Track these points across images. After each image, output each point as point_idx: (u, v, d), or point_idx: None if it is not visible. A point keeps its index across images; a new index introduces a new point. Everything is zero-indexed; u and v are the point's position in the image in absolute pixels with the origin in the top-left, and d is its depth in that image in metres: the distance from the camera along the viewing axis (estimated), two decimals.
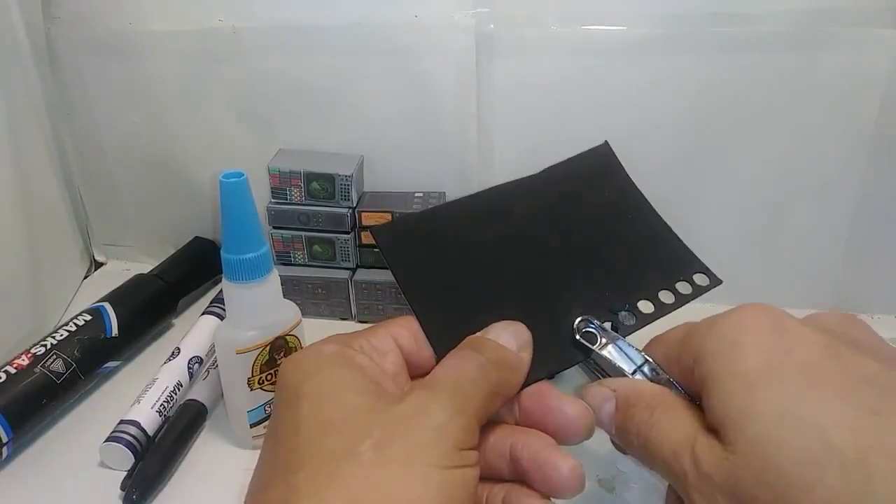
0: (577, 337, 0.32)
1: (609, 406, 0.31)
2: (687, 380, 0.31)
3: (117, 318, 0.51)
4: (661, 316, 0.34)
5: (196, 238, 0.63)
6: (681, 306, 0.34)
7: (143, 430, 0.43)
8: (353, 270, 0.57)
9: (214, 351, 0.45)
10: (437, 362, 0.29)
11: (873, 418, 0.25)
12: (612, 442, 0.32)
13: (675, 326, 0.33)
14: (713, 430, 0.27)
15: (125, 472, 0.42)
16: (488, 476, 0.29)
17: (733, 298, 0.42)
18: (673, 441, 0.29)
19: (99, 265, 0.67)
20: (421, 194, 0.57)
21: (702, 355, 0.29)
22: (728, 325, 0.29)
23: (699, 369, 0.29)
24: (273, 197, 0.55)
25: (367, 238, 0.56)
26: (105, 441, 0.43)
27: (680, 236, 0.41)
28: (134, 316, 0.52)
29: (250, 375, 0.42)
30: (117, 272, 0.65)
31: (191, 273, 0.60)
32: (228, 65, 0.56)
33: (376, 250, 0.56)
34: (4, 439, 0.42)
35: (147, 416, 0.44)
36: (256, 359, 0.42)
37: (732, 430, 0.26)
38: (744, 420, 0.26)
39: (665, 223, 0.38)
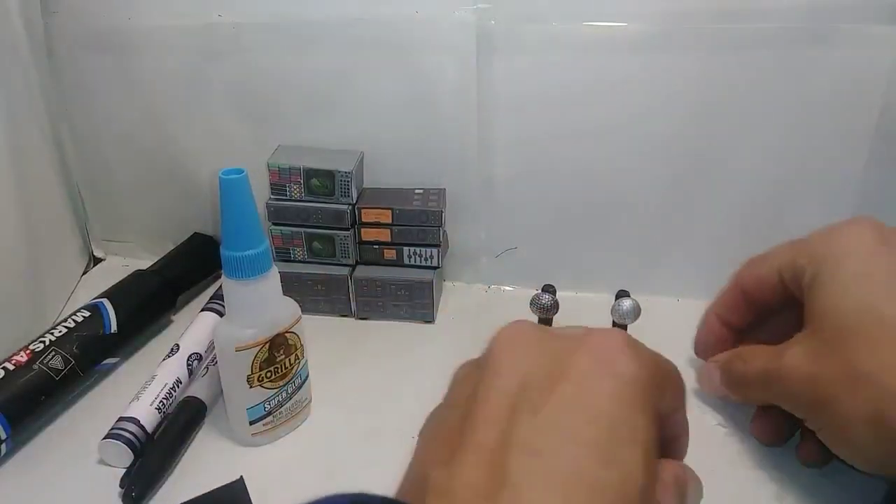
0: None
1: (716, 373, 0.44)
2: (792, 282, 0.40)
3: (116, 314, 0.50)
4: None
5: (195, 234, 0.63)
6: None
7: (142, 426, 0.43)
8: (353, 267, 0.57)
9: (214, 348, 0.45)
10: None
11: None
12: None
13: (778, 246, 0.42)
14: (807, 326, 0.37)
15: (124, 469, 0.42)
16: None
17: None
18: (762, 359, 0.39)
19: (98, 261, 0.67)
20: (421, 191, 0.56)
21: (814, 259, 0.38)
22: (839, 235, 0.38)
23: (811, 270, 0.38)
24: (273, 193, 0.55)
25: (366, 235, 0.56)
26: (104, 438, 0.43)
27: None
28: (133, 312, 0.52)
29: (250, 372, 0.42)
30: (116, 268, 0.65)
31: (190, 269, 0.60)
32: (228, 60, 0.56)
33: (376, 247, 0.56)
34: (3, 436, 0.42)
35: (146, 412, 0.44)
36: (256, 356, 0.41)
37: (826, 321, 0.35)
38: (835, 313, 0.35)
39: None
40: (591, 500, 0.24)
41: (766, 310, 0.44)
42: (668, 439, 0.33)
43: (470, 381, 0.29)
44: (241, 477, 0.41)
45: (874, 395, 0.33)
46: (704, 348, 0.47)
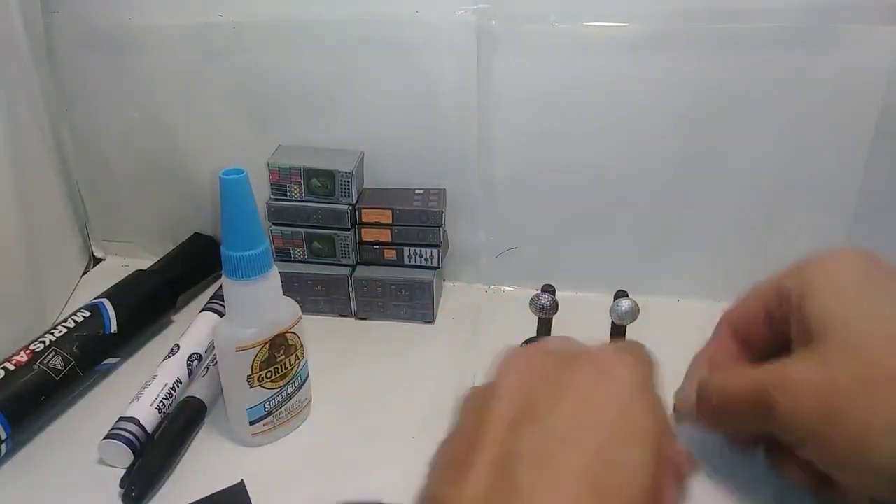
0: None
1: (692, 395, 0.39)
2: (779, 312, 0.37)
3: (116, 314, 0.50)
4: None
5: (195, 234, 0.63)
6: None
7: (142, 427, 0.43)
8: (353, 267, 0.57)
9: (214, 348, 0.45)
10: None
11: None
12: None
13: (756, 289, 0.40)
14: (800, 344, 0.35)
15: (124, 469, 0.42)
16: None
17: (735, 296, 0.42)
18: (751, 376, 0.36)
19: (98, 261, 0.67)
20: (421, 191, 0.56)
21: (803, 278, 0.36)
22: (828, 257, 0.37)
23: (799, 289, 0.36)
24: (273, 193, 0.55)
25: (367, 235, 0.56)
26: (104, 438, 0.43)
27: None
28: (133, 312, 0.52)
29: (250, 373, 0.42)
30: (116, 268, 0.65)
31: (190, 269, 0.60)
32: (228, 60, 0.56)
33: (376, 247, 0.56)
34: (3, 436, 0.42)
35: (146, 413, 0.44)
36: (256, 356, 0.41)
37: (832, 330, 0.33)
38: (841, 320, 0.33)
39: None
40: (594, 501, 0.25)
41: (761, 349, 0.40)
42: None
43: (476, 408, 0.30)
44: (242, 480, 0.41)
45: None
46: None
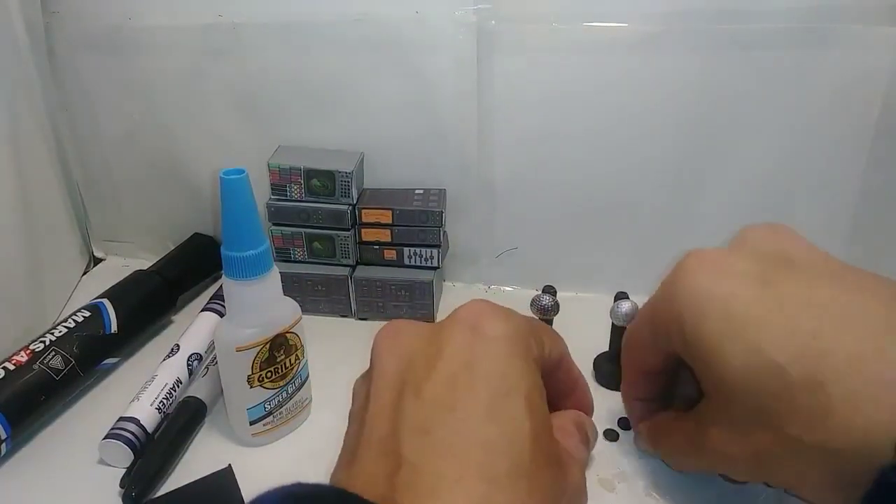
0: None
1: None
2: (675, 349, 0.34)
3: (116, 314, 0.50)
4: None
5: (195, 234, 0.63)
6: None
7: (142, 427, 0.43)
8: (353, 267, 0.57)
9: (214, 348, 0.45)
10: None
11: (814, 342, 0.28)
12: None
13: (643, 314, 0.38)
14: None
15: (124, 469, 0.42)
16: None
17: None
18: (680, 435, 0.35)
19: (98, 261, 0.67)
20: (421, 191, 0.56)
21: (684, 307, 0.32)
22: (681, 291, 0.32)
23: (686, 323, 0.32)
24: (273, 193, 0.55)
25: (367, 235, 0.56)
26: (104, 438, 0.43)
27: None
28: (133, 312, 0.52)
29: (250, 373, 0.42)
30: (116, 268, 0.65)
31: (190, 269, 0.60)
32: (228, 61, 0.56)
33: (376, 247, 0.56)
34: (3, 436, 0.42)
35: (146, 413, 0.44)
36: (256, 356, 0.41)
37: (737, 389, 0.29)
38: (713, 369, 0.30)
39: None
40: (484, 457, 0.25)
41: (667, 373, 0.38)
42: (563, 392, 0.36)
43: (363, 391, 0.31)
44: (230, 465, 0.41)
45: (827, 460, 0.27)
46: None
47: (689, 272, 0.32)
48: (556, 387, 0.34)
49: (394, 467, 0.25)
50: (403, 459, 0.25)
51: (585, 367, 0.48)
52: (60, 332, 0.47)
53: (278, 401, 0.44)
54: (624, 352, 0.40)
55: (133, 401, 0.45)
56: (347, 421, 0.32)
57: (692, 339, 0.31)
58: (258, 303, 0.42)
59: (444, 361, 0.28)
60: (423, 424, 0.26)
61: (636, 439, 0.42)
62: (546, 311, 0.48)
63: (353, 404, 0.32)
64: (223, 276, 0.41)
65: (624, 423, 0.45)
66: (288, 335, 0.43)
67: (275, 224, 0.56)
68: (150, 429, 0.44)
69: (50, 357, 0.46)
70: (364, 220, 0.55)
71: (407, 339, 0.31)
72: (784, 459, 0.29)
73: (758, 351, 0.29)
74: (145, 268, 0.58)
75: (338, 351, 0.53)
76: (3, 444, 0.42)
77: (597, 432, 0.36)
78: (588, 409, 0.37)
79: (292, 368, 0.44)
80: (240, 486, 0.41)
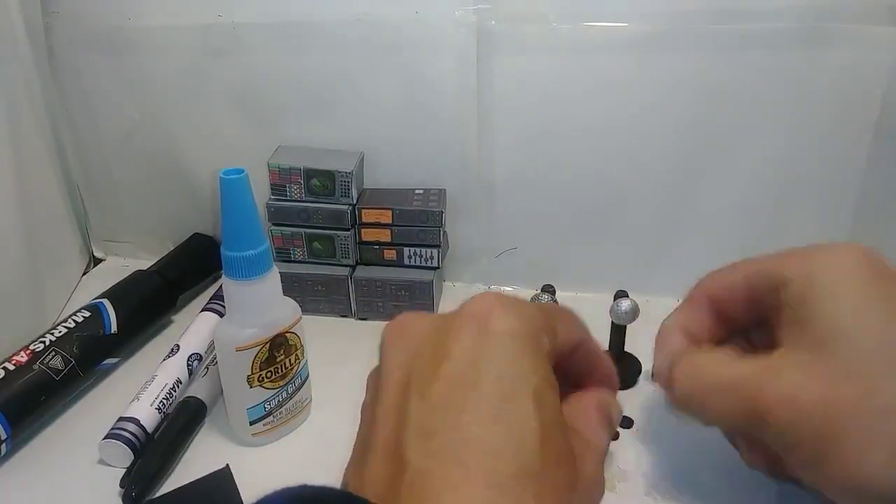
0: None
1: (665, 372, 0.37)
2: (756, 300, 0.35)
3: (116, 314, 0.50)
4: None
5: (195, 234, 0.63)
6: None
7: (142, 427, 0.43)
8: (353, 267, 0.57)
9: (214, 348, 0.45)
10: None
11: None
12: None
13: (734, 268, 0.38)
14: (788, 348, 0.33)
15: (124, 469, 0.42)
16: None
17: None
18: (737, 368, 0.34)
19: (98, 261, 0.67)
20: (421, 191, 0.56)
21: (803, 273, 0.33)
22: (832, 254, 0.34)
23: (798, 283, 0.33)
24: (273, 193, 0.55)
25: (367, 235, 0.56)
26: (104, 438, 0.43)
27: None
28: (133, 312, 0.52)
29: (250, 373, 0.42)
30: (116, 268, 0.65)
31: (190, 269, 0.60)
32: (228, 61, 0.56)
33: (376, 247, 0.56)
34: (3, 436, 0.42)
35: (146, 413, 0.44)
36: (256, 356, 0.41)
37: (840, 345, 0.31)
38: (847, 339, 0.31)
39: None
40: (490, 462, 0.25)
41: (735, 326, 0.38)
42: (585, 371, 0.34)
43: (373, 385, 0.30)
44: (227, 465, 0.41)
45: None
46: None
47: (834, 252, 0.34)
48: (576, 368, 0.33)
49: (398, 471, 0.25)
50: (408, 463, 0.25)
51: None
52: (60, 332, 0.47)
53: (278, 401, 0.44)
54: (700, 282, 0.39)
55: (133, 401, 0.45)
56: (359, 414, 0.31)
57: (813, 300, 0.33)
58: (258, 303, 0.42)
59: (450, 361, 0.28)
60: (428, 427, 0.26)
61: (660, 375, 0.38)
62: None
63: (365, 395, 0.31)
64: (223, 276, 0.41)
65: (625, 423, 0.45)
66: (288, 335, 0.43)
67: (275, 224, 0.56)
68: (149, 429, 0.44)
69: (50, 357, 0.46)
70: (364, 220, 0.55)
71: (414, 334, 0.30)
72: (862, 420, 0.29)
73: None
74: (145, 268, 0.58)
75: (338, 351, 0.53)
76: (3, 444, 0.42)
77: (621, 410, 0.34)
78: (613, 386, 0.36)
79: (292, 368, 0.44)
80: (240, 486, 0.41)
